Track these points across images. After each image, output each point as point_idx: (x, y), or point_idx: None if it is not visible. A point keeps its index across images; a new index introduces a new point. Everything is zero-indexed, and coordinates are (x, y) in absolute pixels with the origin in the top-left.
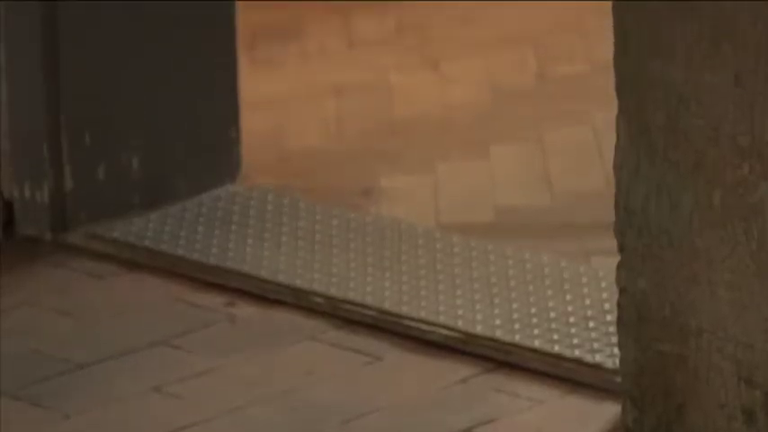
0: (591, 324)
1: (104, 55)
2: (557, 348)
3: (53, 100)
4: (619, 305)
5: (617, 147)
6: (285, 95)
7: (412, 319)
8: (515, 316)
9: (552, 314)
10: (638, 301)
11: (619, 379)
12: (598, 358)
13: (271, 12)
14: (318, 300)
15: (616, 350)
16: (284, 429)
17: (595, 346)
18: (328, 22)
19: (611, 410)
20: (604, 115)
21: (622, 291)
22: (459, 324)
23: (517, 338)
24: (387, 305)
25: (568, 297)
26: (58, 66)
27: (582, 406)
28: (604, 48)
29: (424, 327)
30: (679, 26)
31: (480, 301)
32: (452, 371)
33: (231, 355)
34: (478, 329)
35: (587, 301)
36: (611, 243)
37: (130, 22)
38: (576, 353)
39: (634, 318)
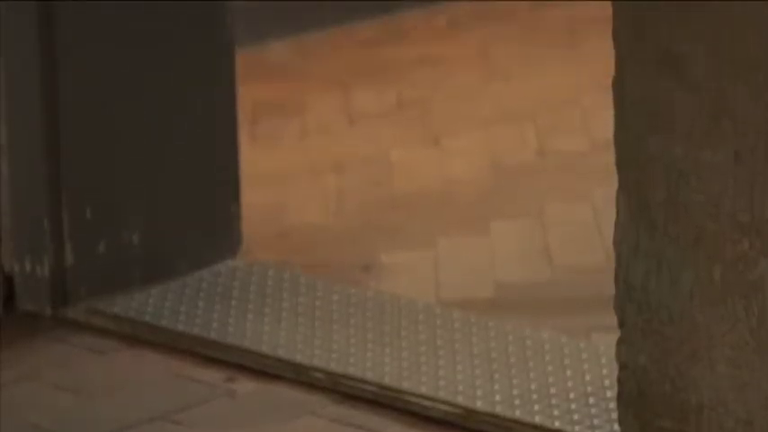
0: (591, 400)
1: (105, 131)
2: (557, 424)
3: (54, 175)
4: (619, 381)
5: (617, 222)
6: (286, 170)
7: (412, 394)
8: (515, 392)
9: (552, 390)
10: (638, 376)
11: None
12: None
13: (271, 87)
14: (319, 375)
15: (616, 426)
16: None
17: (596, 422)
18: (329, 98)
19: None
20: (604, 191)
21: (622, 366)
22: (460, 400)
23: (517, 414)
24: (387, 380)
25: (568, 373)
26: (59, 142)
27: None
28: (604, 124)
29: (425, 402)
30: (678, 102)
31: (480, 376)
32: None
33: (232, 431)
34: (479, 405)
35: (587, 378)
36: (612, 319)
37: (131, 100)
38: (577, 429)
39: (634, 394)
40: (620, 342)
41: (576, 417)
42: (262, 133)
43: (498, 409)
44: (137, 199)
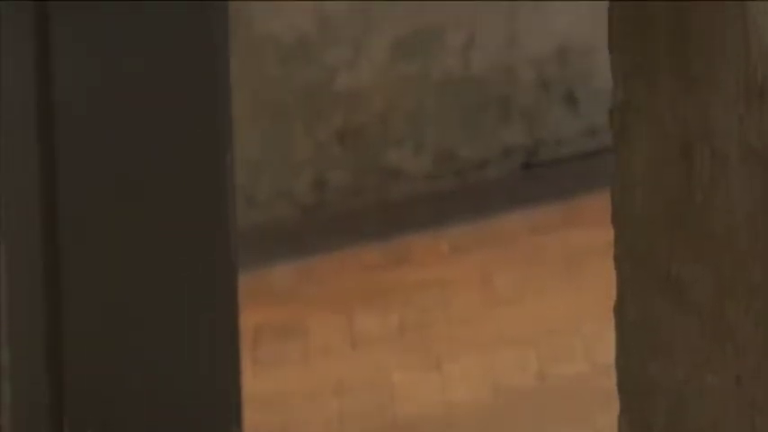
0: None
1: (108, 359)
2: None
3: (56, 402)
4: None
5: None
6: (287, 393)
7: None
8: None
9: None
10: None
11: None
12: None
13: (273, 310)
14: None
15: None
16: None
17: None
18: (331, 321)
19: None
20: (605, 416)
21: None
22: None
23: None
24: None
25: None
26: (62, 368)
27: None
28: (605, 349)
29: None
30: (679, 325)
31: None
32: None
33: None
34: None
35: None
36: None
37: (132, 329)
38: None
39: None
40: None
41: None
42: (263, 357)
43: None
44: (138, 423)
